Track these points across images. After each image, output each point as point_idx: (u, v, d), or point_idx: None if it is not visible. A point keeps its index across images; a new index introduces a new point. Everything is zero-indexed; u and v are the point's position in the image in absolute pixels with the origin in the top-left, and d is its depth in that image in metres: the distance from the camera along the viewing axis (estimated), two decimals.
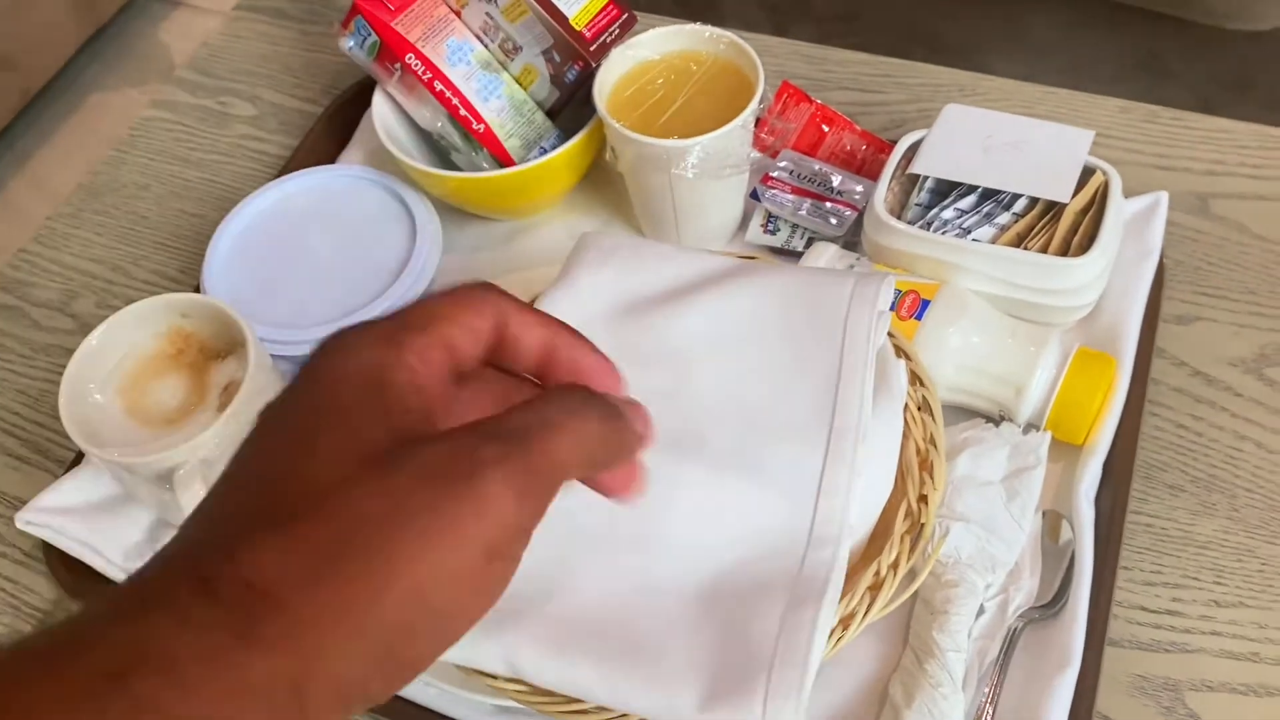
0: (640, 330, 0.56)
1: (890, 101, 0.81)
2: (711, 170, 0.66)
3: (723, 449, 0.50)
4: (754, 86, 0.67)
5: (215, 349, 0.64)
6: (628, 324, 0.56)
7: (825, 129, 0.74)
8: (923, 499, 0.51)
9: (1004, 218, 0.64)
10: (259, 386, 0.61)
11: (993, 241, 0.63)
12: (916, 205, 0.66)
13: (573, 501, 0.48)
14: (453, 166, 0.75)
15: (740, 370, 0.53)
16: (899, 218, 0.65)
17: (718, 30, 0.69)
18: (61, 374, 0.76)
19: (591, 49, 0.67)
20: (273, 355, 0.65)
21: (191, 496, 0.57)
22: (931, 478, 0.51)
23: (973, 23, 1.33)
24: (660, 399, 0.55)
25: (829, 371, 0.52)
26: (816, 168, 0.72)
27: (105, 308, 0.79)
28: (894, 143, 0.74)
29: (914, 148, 0.68)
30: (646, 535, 0.48)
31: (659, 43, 0.70)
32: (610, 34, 0.68)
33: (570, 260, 0.60)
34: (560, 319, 0.33)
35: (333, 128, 0.83)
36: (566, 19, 0.67)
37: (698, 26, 0.69)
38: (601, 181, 0.77)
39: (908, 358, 0.56)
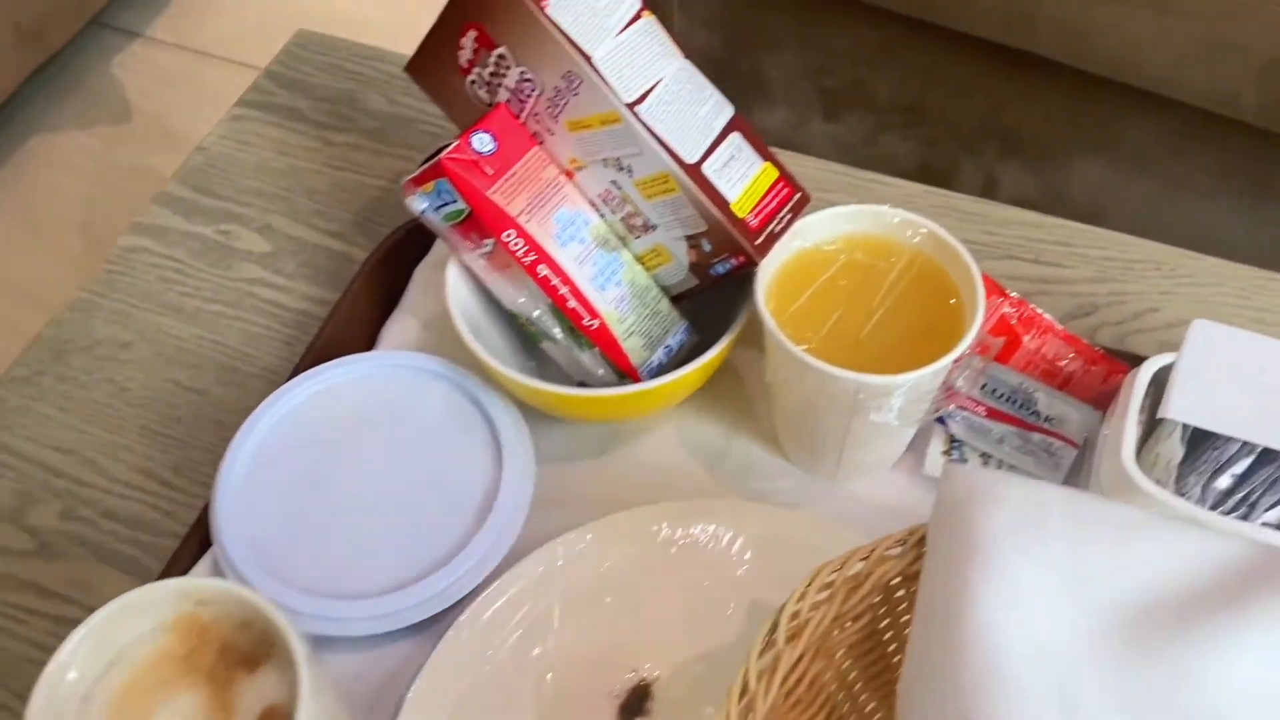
0: (1151, 668, 0.36)
1: (1073, 279, 0.66)
2: (913, 412, 0.50)
3: None
4: (964, 299, 0.51)
5: (242, 651, 0.46)
6: (1129, 657, 0.36)
7: (1027, 336, 0.58)
8: None
9: None
10: (314, 717, 0.44)
11: None
12: (1175, 464, 0.51)
13: None
14: (538, 351, 0.58)
15: None
16: None
17: (910, 215, 0.53)
18: (8, 627, 0.58)
19: (757, 242, 0.51)
20: (310, 634, 0.47)
21: None
22: None
23: (1052, 119, 1.20)
24: None
25: None
26: (1015, 382, 0.57)
27: (73, 518, 0.60)
28: (1107, 352, 0.59)
29: (1162, 374, 0.53)
30: None
31: (828, 225, 0.54)
32: (779, 220, 0.51)
33: (955, 521, 0.38)
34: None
35: (375, 283, 0.66)
36: (727, 204, 0.50)
37: (881, 209, 0.53)
38: (719, 375, 0.60)
39: None
